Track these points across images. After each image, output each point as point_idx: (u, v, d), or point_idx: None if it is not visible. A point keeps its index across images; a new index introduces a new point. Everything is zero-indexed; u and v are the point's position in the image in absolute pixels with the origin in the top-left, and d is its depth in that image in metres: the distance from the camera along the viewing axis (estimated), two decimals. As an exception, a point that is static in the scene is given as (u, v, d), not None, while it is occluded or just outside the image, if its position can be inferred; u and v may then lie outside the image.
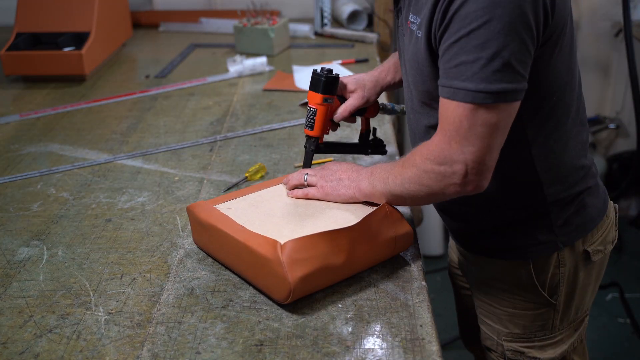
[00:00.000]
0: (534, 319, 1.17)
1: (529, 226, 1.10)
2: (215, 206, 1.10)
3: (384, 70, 1.29)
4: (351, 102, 1.22)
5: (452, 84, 0.91)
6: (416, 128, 1.13)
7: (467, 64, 0.89)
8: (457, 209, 1.16)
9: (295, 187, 1.16)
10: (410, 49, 1.03)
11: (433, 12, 0.93)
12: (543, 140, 1.04)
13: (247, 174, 1.37)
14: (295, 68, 2.03)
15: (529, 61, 0.91)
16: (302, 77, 1.97)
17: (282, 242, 0.95)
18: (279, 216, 1.08)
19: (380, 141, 1.33)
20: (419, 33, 0.98)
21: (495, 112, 0.90)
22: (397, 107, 1.42)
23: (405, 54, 1.07)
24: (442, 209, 1.21)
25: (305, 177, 1.14)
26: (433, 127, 1.03)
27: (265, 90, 1.93)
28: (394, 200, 1.05)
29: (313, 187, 1.13)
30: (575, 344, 1.23)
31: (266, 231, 1.01)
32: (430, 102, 1.04)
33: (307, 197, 1.13)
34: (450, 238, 1.36)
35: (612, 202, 1.20)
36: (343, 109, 1.21)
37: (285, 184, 1.17)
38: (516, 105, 0.92)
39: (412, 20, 1.00)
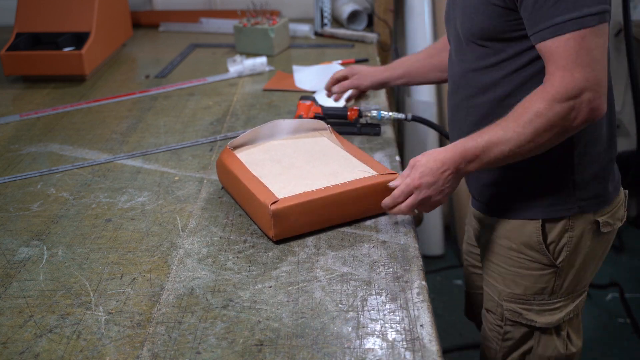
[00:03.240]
0: (536, 281, 1.21)
1: (552, 189, 1.15)
2: (237, 152, 1.31)
3: (398, 64, 1.52)
4: (348, 85, 1.56)
5: (554, 20, 0.97)
6: (458, 73, 1.20)
7: None
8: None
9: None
10: (465, 1, 1.11)
11: None
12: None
13: None
14: (295, 68, 2.03)
15: None
16: (302, 77, 1.97)
17: (277, 198, 1.13)
18: (288, 168, 1.26)
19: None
20: None
21: (602, 32, 0.98)
22: (384, 115, 1.54)
23: (454, 11, 1.17)
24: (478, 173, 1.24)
25: (416, 210, 1.14)
26: (469, 72, 1.16)
27: (265, 90, 1.93)
28: (518, 158, 1.06)
29: (427, 206, 1.12)
30: (572, 315, 1.26)
31: (269, 182, 1.19)
32: (483, 41, 1.11)
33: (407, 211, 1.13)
34: (470, 210, 1.40)
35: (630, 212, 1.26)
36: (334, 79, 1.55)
37: (388, 206, 1.15)
38: (607, 24, 0.99)
39: None
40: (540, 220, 1.17)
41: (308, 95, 1.71)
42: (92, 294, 1.03)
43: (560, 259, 1.19)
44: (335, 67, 1.97)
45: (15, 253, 1.15)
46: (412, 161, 1.12)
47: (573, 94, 0.99)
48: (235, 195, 1.27)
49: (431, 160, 1.09)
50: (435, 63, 1.45)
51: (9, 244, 1.18)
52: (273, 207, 1.11)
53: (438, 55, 1.44)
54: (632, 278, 2.64)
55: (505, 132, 1.03)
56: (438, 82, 1.50)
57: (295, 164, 1.27)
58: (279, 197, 1.13)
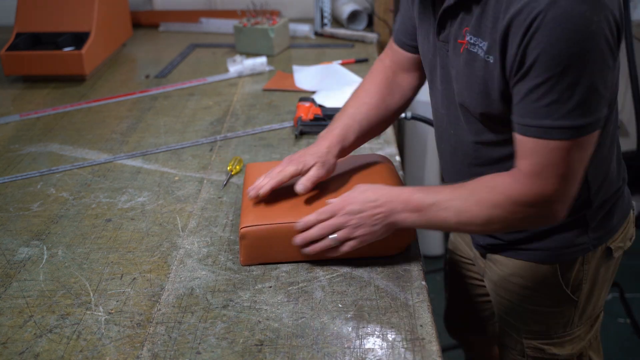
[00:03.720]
0: (556, 317, 1.18)
1: (566, 230, 1.09)
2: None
3: (347, 130, 1.18)
4: (312, 174, 1.11)
5: (543, 123, 0.88)
6: (458, 142, 1.09)
7: (560, 103, 0.86)
8: None
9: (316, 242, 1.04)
10: (467, 69, 0.98)
11: (505, 44, 0.89)
12: (600, 147, 1.02)
13: (229, 168, 1.41)
14: (295, 68, 2.03)
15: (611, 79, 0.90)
16: (302, 77, 1.97)
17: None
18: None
19: None
20: (489, 58, 0.92)
21: (589, 142, 0.90)
22: None
23: (451, 69, 1.03)
24: None
25: (334, 236, 1.02)
26: (481, 143, 1.04)
27: (265, 90, 1.93)
28: (454, 230, 1.03)
29: (353, 241, 1.02)
30: (592, 340, 1.23)
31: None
32: (487, 121, 1.01)
33: (347, 252, 1.04)
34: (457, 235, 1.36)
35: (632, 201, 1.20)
36: (305, 180, 1.11)
37: (298, 229, 1.05)
38: (598, 130, 0.91)
39: (471, 41, 0.95)
40: (557, 264, 1.12)
41: (307, 97, 1.71)
42: (92, 294, 1.03)
43: (578, 293, 1.15)
44: (335, 67, 1.97)
45: (15, 253, 1.15)
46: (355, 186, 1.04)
47: (541, 204, 0.93)
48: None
49: (369, 190, 1.02)
50: (383, 114, 1.23)
51: (9, 244, 1.18)
52: (243, 230, 1.06)
53: (385, 105, 1.23)
54: (632, 278, 2.64)
55: (459, 203, 0.96)
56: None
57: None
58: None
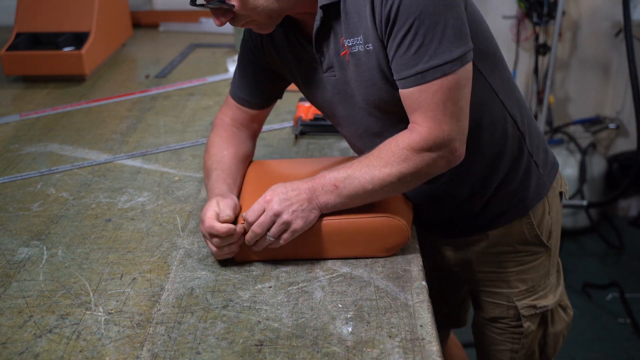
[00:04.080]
0: (538, 269, 1.25)
1: (523, 177, 1.17)
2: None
3: (225, 183, 1.16)
4: (225, 203, 1.08)
5: (417, 69, 0.95)
6: (368, 143, 1.11)
7: (426, 45, 0.94)
8: (457, 198, 1.18)
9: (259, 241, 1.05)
10: (359, 70, 1.03)
11: (373, 19, 0.97)
12: (506, 89, 1.12)
13: None
14: None
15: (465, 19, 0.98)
16: None
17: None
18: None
19: None
20: (368, 46, 1.00)
21: (466, 76, 0.97)
22: None
23: (347, 87, 1.08)
24: (445, 215, 1.22)
25: (270, 237, 1.03)
26: (377, 134, 1.09)
27: None
28: (376, 198, 1.05)
29: (287, 233, 1.03)
30: (563, 283, 1.33)
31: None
32: (390, 110, 1.06)
33: (288, 240, 1.04)
34: (428, 245, 1.34)
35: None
36: (223, 213, 1.05)
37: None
38: (471, 63, 0.98)
39: (350, 44, 1.02)
40: (530, 215, 1.20)
41: None
42: (92, 294, 1.03)
43: (550, 240, 1.24)
44: None
45: (15, 253, 1.15)
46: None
47: (441, 145, 0.99)
48: (309, 247, 1.12)
49: (288, 184, 1.04)
50: (244, 159, 1.26)
51: (9, 244, 1.18)
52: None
53: (243, 152, 1.26)
54: (632, 278, 2.64)
55: (369, 170, 1.01)
56: None
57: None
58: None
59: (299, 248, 1.07)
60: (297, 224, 1.02)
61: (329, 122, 1.57)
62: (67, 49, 2.04)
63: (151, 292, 1.03)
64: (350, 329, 0.93)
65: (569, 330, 1.36)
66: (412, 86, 0.97)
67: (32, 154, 1.56)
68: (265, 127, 1.64)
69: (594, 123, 2.98)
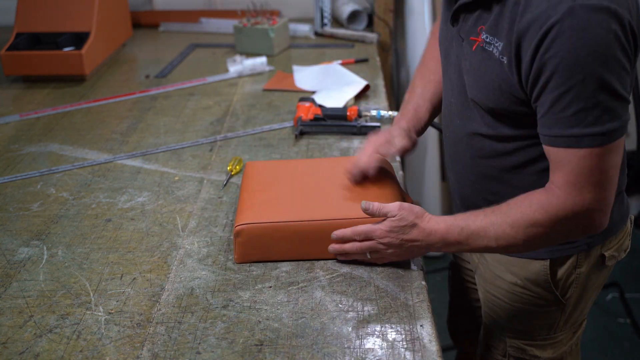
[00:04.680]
0: (541, 318, 1.18)
1: None
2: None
3: (420, 110, 1.24)
4: (398, 143, 1.20)
5: (572, 132, 0.88)
6: (463, 133, 1.10)
7: (587, 110, 0.86)
8: (494, 198, 1.13)
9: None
10: (481, 66, 0.99)
11: (519, 48, 0.90)
12: None
13: (229, 168, 1.41)
14: (296, 68, 2.03)
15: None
16: (302, 77, 1.97)
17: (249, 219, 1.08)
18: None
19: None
20: (503, 58, 0.94)
21: (618, 147, 0.90)
22: (383, 114, 1.56)
23: (464, 61, 1.03)
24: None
25: (368, 257, 1.05)
26: (487, 136, 1.05)
27: (265, 90, 1.93)
28: (501, 252, 1.05)
29: (380, 259, 1.05)
30: (573, 346, 1.24)
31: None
32: (495, 115, 1.02)
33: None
34: None
35: (631, 214, 1.20)
36: (395, 151, 1.20)
37: (336, 240, 1.06)
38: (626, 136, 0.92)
39: (487, 39, 0.96)
40: (548, 260, 1.12)
41: (307, 97, 1.71)
42: (92, 294, 1.03)
43: (567, 296, 1.15)
44: (335, 67, 1.97)
45: (15, 253, 1.15)
46: (399, 209, 1.02)
47: (578, 214, 0.92)
48: (308, 247, 1.11)
49: (410, 226, 1.01)
50: (436, 102, 1.28)
51: (9, 244, 1.18)
52: (238, 227, 1.07)
53: (436, 89, 1.28)
54: (632, 278, 2.64)
55: (495, 230, 0.96)
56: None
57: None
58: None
59: (302, 250, 1.07)
60: (388, 258, 1.05)
61: (328, 122, 1.57)
62: (67, 49, 2.04)
63: (151, 292, 1.03)
64: (350, 329, 0.93)
65: None
66: (562, 146, 0.90)
67: (32, 154, 1.56)
68: (265, 127, 1.64)
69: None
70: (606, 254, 1.14)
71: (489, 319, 1.26)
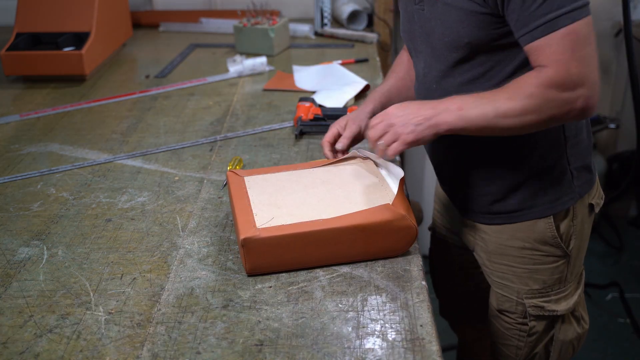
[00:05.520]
0: (552, 273, 1.24)
1: (553, 181, 1.17)
2: (260, 227, 1.05)
3: (376, 94, 1.36)
4: (347, 133, 1.28)
5: (547, 17, 0.96)
6: (444, 93, 1.13)
7: None
8: (486, 172, 1.21)
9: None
10: (446, 10, 1.07)
11: None
12: None
13: (229, 168, 1.41)
14: (296, 68, 2.03)
15: None
16: (302, 77, 1.97)
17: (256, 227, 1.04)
18: (312, 202, 1.11)
19: None
20: None
21: (589, 25, 0.99)
22: None
23: (428, 24, 1.12)
24: (471, 184, 1.24)
25: (381, 142, 1.08)
26: (468, 83, 1.11)
27: (265, 90, 1.93)
28: (498, 132, 1.05)
29: (397, 144, 1.07)
30: (580, 296, 1.31)
31: (331, 215, 1.06)
32: (470, 54, 1.09)
33: (392, 156, 1.09)
34: (445, 206, 1.42)
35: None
36: (343, 139, 1.28)
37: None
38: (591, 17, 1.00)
39: None
40: (552, 217, 1.19)
41: (307, 97, 1.71)
42: (92, 294, 1.03)
43: (570, 247, 1.23)
44: (335, 67, 1.97)
45: (15, 253, 1.15)
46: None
47: (569, 86, 0.98)
48: (318, 254, 1.08)
49: (413, 102, 1.09)
50: (408, 84, 1.37)
51: (9, 244, 1.18)
52: (243, 236, 1.02)
53: (407, 72, 1.37)
54: (632, 278, 2.64)
55: (494, 100, 1.02)
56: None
57: (308, 191, 1.15)
58: (259, 227, 1.04)
59: (313, 256, 1.06)
60: (408, 137, 1.05)
61: (328, 122, 1.57)
62: (67, 49, 2.04)
63: (151, 292, 1.03)
64: (350, 329, 0.93)
65: (580, 344, 1.34)
66: (540, 36, 0.97)
67: (33, 154, 1.56)
68: (265, 127, 1.64)
69: (593, 123, 2.98)
70: (593, 202, 1.25)
71: (501, 288, 1.30)
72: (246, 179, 1.20)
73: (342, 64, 2.08)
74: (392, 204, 1.07)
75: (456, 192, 1.29)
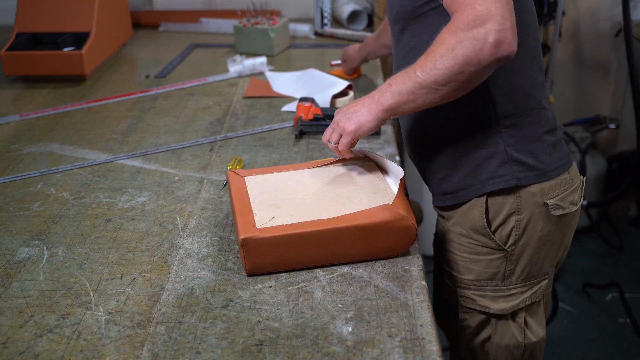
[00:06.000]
0: (487, 266, 1.23)
1: (488, 160, 1.18)
2: (260, 227, 1.05)
3: (368, 42, 1.77)
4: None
5: None
6: (409, 60, 1.16)
7: None
8: (422, 145, 1.28)
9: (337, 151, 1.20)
10: None
11: None
12: (519, 65, 1.15)
13: (229, 168, 1.41)
14: (269, 75, 2.02)
15: None
16: (280, 83, 1.94)
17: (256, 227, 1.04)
18: (311, 202, 1.12)
19: None
20: None
21: None
22: None
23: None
24: (419, 154, 1.32)
25: (332, 143, 1.18)
26: (407, 54, 1.21)
27: (245, 97, 1.88)
28: (429, 91, 1.05)
29: (343, 137, 1.16)
30: (529, 302, 1.26)
31: (332, 215, 1.07)
32: (405, 25, 1.19)
33: (344, 150, 1.17)
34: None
35: (581, 175, 1.28)
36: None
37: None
38: None
39: None
40: (484, 201, 1.18)
41: (307, 97, 1.71)
42: (92, 294, 1.03)
43: (509, 243, 1.20)
44: (313, 73, 1.94)
45: (15, 253, 1.15)
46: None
47: (475, 23, 0.98)
48: (317, 254, 1.08)
49: (353, 103, 1.17)
50: (383, 42, 1.72)
51: (9, 244, 1.18)
52: (243, 236, 1.02)
53: (384, 34, 1.68)
54: (632, 278, 2.65)
55: (418, 63, 1.04)
56: (387, 56, 1.89)
57: (307, 191, 1.15)
58: (259, 227, 1.04)
59: (313, 256, 1.05)
60: (348, 126, 1.13)
61: (328, 122, 1.57)
62: (67, 49, 2.04)
63: (151, 292, 1.03)
64: (350, 329, 0.93)
65: (525, 356, 1.28)
66: None
67: (32, 154, 1.56)
68: (265, 127, 1.64)
69: (593, 123, 2.98)
70: (549, 202, 1.19)
71: (448, 277, 1.31)
72: (246, 178, 1.20)
73: (333, 66, 2.08)
74: (392, 204, 1.07)
75: (423, 174, 1.34)
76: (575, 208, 1.24)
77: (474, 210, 1.20)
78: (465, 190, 1.21)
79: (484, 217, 1.19)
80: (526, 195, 1.18)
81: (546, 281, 1.28)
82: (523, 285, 1.24)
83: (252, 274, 1.06)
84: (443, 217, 1.31)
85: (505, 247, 1.21)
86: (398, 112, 1.10)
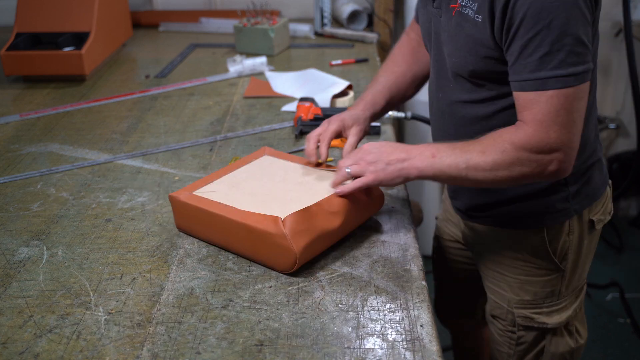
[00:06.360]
0: (544, 285, 1.23)
1: (547, 195, 1.16)
2: (195, 192, 1.16)
3: (377, 95, 1.31)
4: (352, 140, 1.24)
5: (539, 75, 0.95)
6: (446, 104, 1.16)
7: (552, 54, 0.94)
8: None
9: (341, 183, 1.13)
10: (458, 30, 1.05)
11: (492, 5, 0.97)
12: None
13: None
14: (269, 75, 2.02)
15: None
16: (279, 83, 1.94)
17: (282, 217, 1.03)
18: (263, 194, 1.15)
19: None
20: (477, 17, 1.01)
21: (584, 93, 0.97)
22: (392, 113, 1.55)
23: (442, 33, 1.11)
24: (455, 188, 1.27)
25: (348, 170, 1.11)
26: (468, 102, 1.11)
27: (245, 97, 1.89)
28: (470, 183, 1.04)
29: (359, 179, 1.09)
30: (577, 310, 1.29)
31: (257, 209, 1.08)
32: (475, 79, 1.08)
33: (359, 188, 1.10)
34: (448, 212, 1.42)
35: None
36: (348, 147, 1.22)
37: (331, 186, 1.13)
38: (590, 84, 0.99)
39: (463, 3, 1.03)
40: (544, 230, 1.18)
41: (307, 97, 1.71)
42: (92, 294, 1.03)
43: (564, 262, 1.22)
44: (313, 73, 1.94)
45: (15, 253, 1.15)
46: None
47: (543, 150, 0.98)
48: (218, 236, 1.12)
49: (392, 143, 1.11)
50: (410, 81, 1.34)
51: (9, 244, 1.18)
52: (171, 194, 1.16)
53: (412, 73, 1.34)
54: (632, 278, 2.64)
55: (467, 152, 1.02)
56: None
57: (265, 189, 1.18)
58: (283, 217, 1.03)
59: (216, 237, 1.12)
60: (377, 175, 1.07)
61: None
62: (67, 49, 2.04)
63: (151, 292, 1.03)
64: (350, 329, 0.93)
65: (575, 357, 1.33)
66: (530, 90, 0.97)
67: (32, 154, 1.56)
68: (265, 127, 1.64)
69: (593, 123, 2.98)
70: (594, 218, 1.22)
71: (494, 294, 1.30)
72: (202, 193, 1.17)
73: (342, 64, 2.08)
74: (284, 219, 1.02)
75: (460, 194, 1.28)
76: (610, 217, 1.27)
77: (533, 237, 1.19)
78: (523, 221, 1.19)
79: (546, 242, 1.19)
80: (576, 219, 1.20)
81: (585, 285, 1.31)
82: (572, 295, 1.27)
83: (180, 230, 1.18)
84: (476, 230, 1.28)
85: (562, 266, 1.22)
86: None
